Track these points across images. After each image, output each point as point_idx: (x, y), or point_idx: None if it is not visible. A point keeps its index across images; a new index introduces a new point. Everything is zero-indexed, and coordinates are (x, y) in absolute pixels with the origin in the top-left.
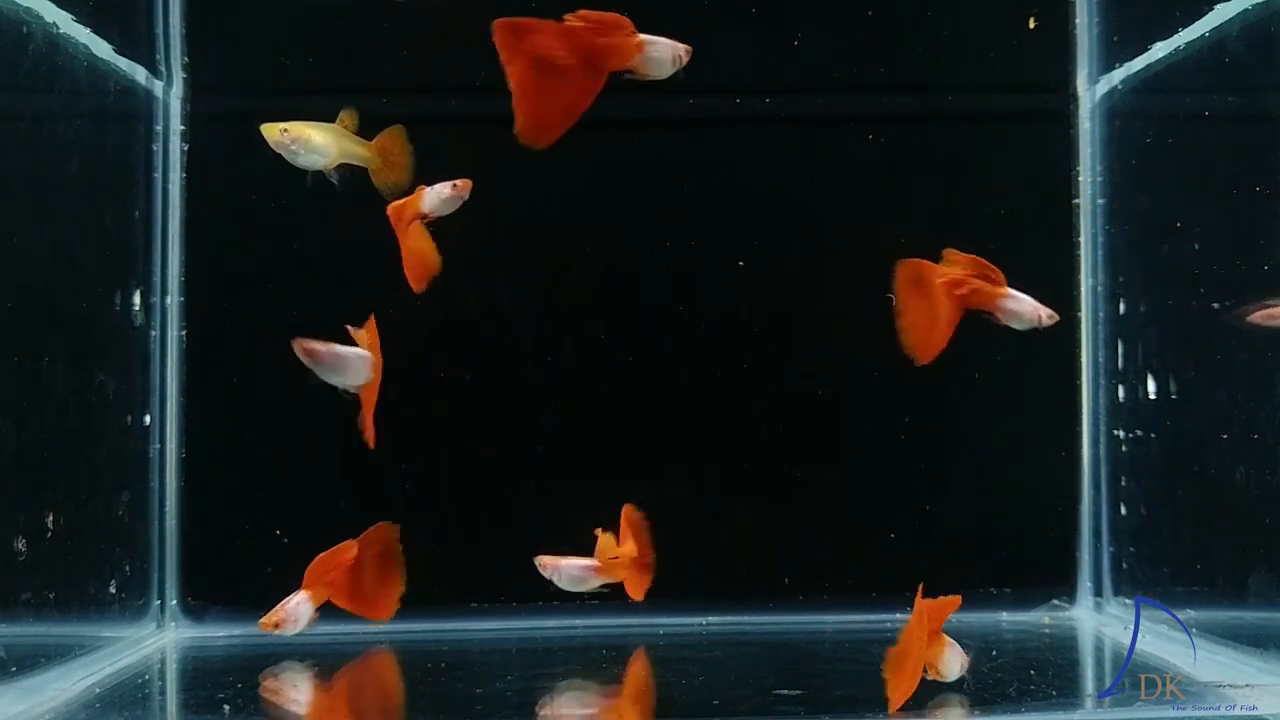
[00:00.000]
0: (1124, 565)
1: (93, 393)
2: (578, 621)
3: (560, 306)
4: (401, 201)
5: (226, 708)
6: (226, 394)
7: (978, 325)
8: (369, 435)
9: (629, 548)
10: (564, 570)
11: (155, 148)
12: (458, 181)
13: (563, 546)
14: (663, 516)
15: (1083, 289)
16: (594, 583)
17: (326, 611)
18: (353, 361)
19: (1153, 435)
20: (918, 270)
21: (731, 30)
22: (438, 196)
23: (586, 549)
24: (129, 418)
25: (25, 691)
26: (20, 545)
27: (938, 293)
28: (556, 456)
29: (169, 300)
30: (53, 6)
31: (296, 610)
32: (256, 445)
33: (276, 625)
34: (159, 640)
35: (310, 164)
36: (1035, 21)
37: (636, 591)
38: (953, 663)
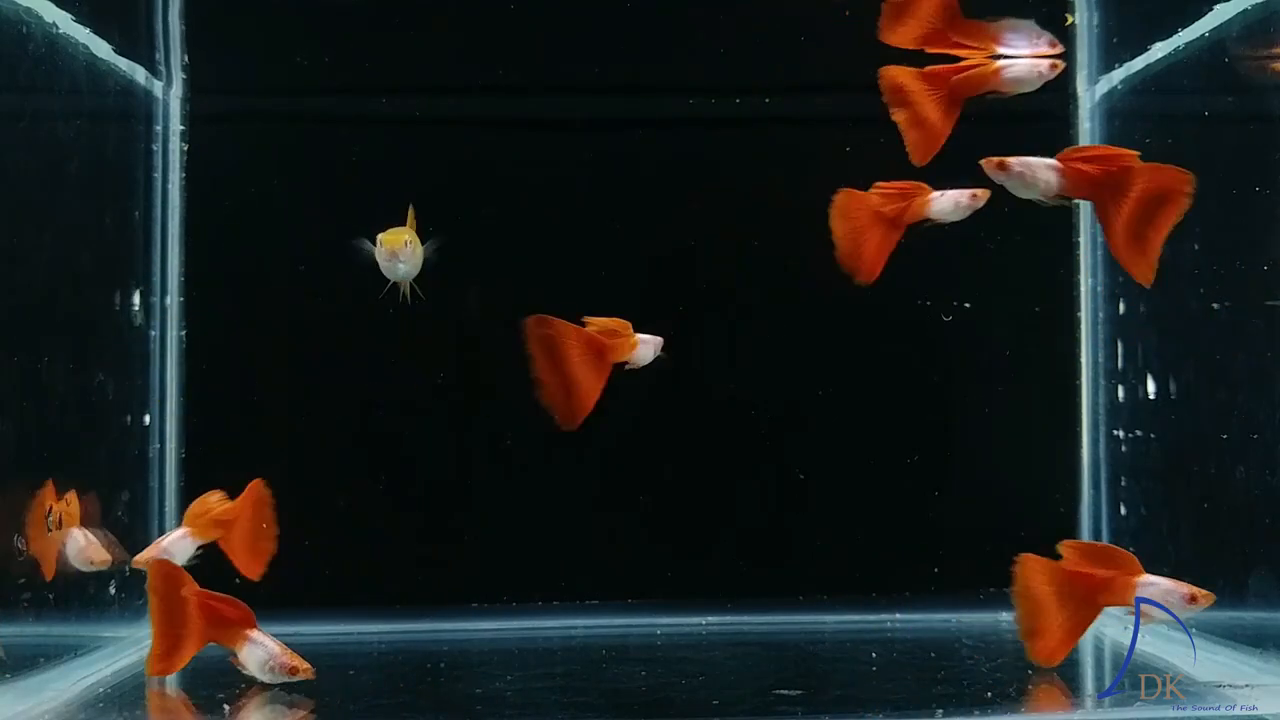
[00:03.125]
0: None
1: (93, 393)
2: (578, 621)
3: (560, 306)
4: (906, 203)
5: (226, 707)
6: (226, 394)
7: (978, 325)
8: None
9: (223, 507)
10: (162, 550)
11: (155, 148)
12: (976, 191)
13: (562, 546)
14: (663, 517)
15: (1083, 289)
16: (189, 549)
17: (323, 614)
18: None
19: (1153, 435)
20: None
21: (731, 30)
22: (953, 203)
23: (579, 549)
24: (129, 418)
25: (25, 691)
26: (20, 545)
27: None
28: (558, 456)
29: (169, 300)
30: (53, 6)
31: None
32: (256, 445)
33: None
34: None
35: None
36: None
37: (242, 559)
38: None
